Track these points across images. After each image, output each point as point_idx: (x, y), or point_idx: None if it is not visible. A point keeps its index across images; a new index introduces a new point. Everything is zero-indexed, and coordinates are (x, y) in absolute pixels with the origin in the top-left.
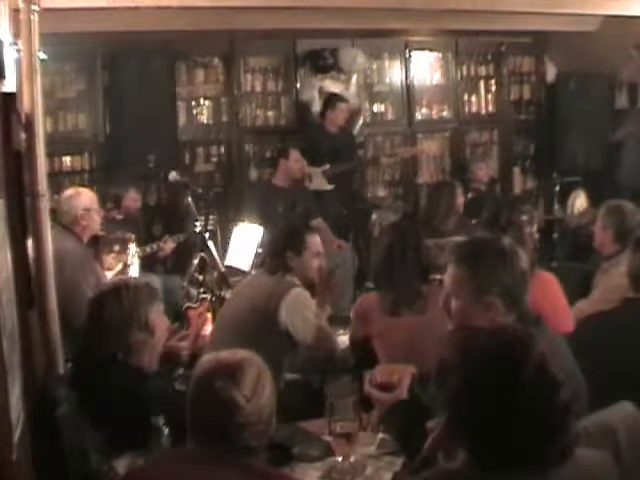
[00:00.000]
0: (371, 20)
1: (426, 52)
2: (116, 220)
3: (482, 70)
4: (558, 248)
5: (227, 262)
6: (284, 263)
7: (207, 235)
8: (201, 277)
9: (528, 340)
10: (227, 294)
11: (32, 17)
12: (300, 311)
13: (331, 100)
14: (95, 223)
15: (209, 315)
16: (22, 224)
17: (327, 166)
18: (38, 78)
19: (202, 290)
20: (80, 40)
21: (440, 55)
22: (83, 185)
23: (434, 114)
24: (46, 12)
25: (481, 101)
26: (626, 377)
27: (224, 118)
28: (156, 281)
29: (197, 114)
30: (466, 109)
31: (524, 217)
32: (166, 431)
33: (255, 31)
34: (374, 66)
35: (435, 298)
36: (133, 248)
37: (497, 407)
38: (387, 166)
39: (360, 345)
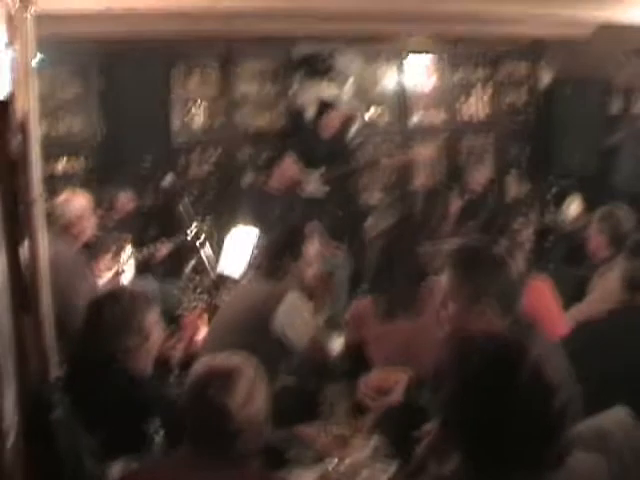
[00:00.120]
0: (366, 25)
1: (421, 57)
2: (111, 223)
3: (477, 75)
4: (553, 252)
5: (221, 267)
6: (281, 267)
7: (201, 240)
8: (195, 282)
9: (523, 344)
10: (221, 299)
11: (27, 21)
12: (294, 316)
13: (326, 105)
14: (89, 227)
15: (203, 319)
16: (17, 229)
17: (322, 170)
18: (33, 82)
19: (196, 294)
20: (76, 43)
21: (435, 60)
22: (78, 188)
23: (429, 118)
24: (42, 15)
25: (476, 106)
26: (620, 382)
27: (219, 122)
28: (152, 283)
29: (192, 118)
30: (461, 114)
31: (519, 221)
32: (160, 436)
33: (250, 35)
34: (369, 70)
35: (430, 302)
36: (128, 250)
37: (492, 411)
38: (382, 170)
39: (355, 349)
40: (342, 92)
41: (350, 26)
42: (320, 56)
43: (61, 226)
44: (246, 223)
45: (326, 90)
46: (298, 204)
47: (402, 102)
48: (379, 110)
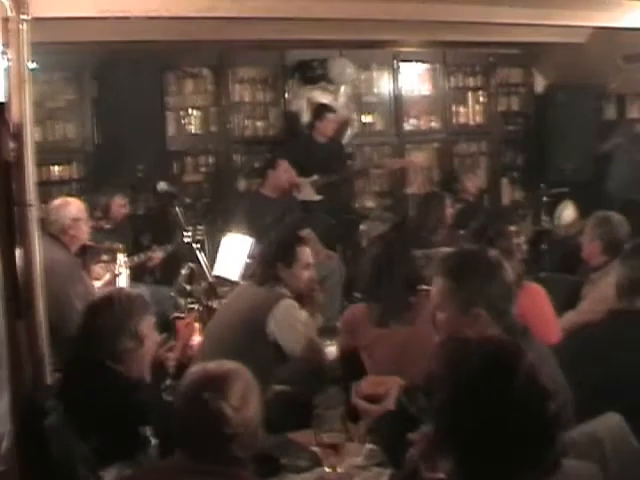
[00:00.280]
0: (360, 31)
1: (415, 63)
2: (104, 229)
3: (471, 81)
4: (546, 259)
5: (216, 272)
6: (274, 274)
7: (196, 245)
8: (189, 287)
9: (517, 351)
10: (215, 304)
11: (22, 26)
12: (289, 322)
13: (320, 111)
14: (83, 233)
15: (197, 325)
16: (10, 234)
17: (316, 177)
18: (28, 87)
19: (190, 300)
20: (69, 50)
21: (429, 66)
22: (72, 194)
23: (423, 125)
24: (36, 21)
25: (470, 112)
26: (613, 388)
27: (213, 128)
28: (145, 291)
29: (186, 124)
30: (455, 120)
31: (512, 228)
32: (154, 442)
33: (244, 42)
34: (363, 77)
35: (423, 309)
36: (121, 258)
37: (485, 418)
38: (376, 177)
39: (348, 356)
40: (336, 99)
41: (344, 33)
42: (314, 62)
43: (55, 231)
44: (240, 229)
45: (320, 96)
46: (292, 210)
47: (395, 109)
48: (372, 117)
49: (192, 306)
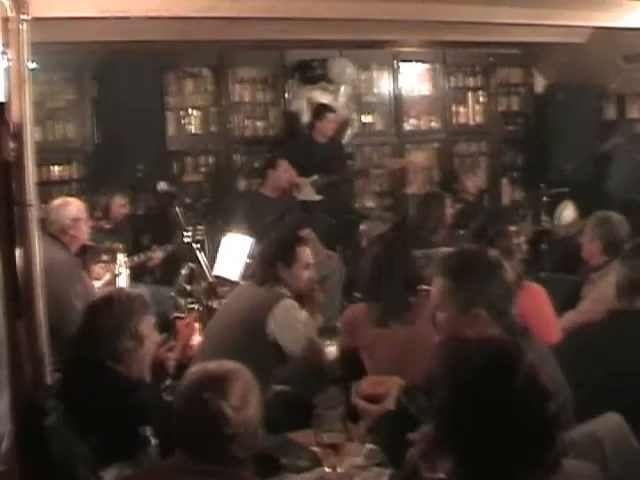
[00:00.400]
0: (360, 31)
1: (415, 63)
2: (104, 229)
3: (471, 81)
4: (546, 259)
5: (216, 272)
6: (274, 274)
7: (195, 245)
8: (189, 287)
9: (517, 351)
10: (215, 304)
11: (22, 26)
12: (289, 322)
13: (320, 110)
14: (83, 233)
15: (197, 325)
16: (10, 234)
17: (316, 177)
18: (28, 87)
19: (190, 300)
20: (69, 50)
21: (429, 66)
22: (71, 195)
23: (423, 125)
24: (36, 21)
25: (470, 112)
26: (613, 388)
27: (213, 128)
28: (145, 291)
29: (186, 124)
30: (455, 120)
31: (512, 228)
32: (154, 442)
33: (244, 42)
34: (363, 77)
35: (423, 309)
36: (121, 258)
37: (485, 418)
38: (376, 177)
39: (348, 356)
40: (336, 99)
41: (344, 33)
42: (314, 62)
43: (55, 231)
44: (240, 229)
45: (320, 96)
46: (292, 210)
47: (395, 109)
48: (372, 117)
49: (192, 306)
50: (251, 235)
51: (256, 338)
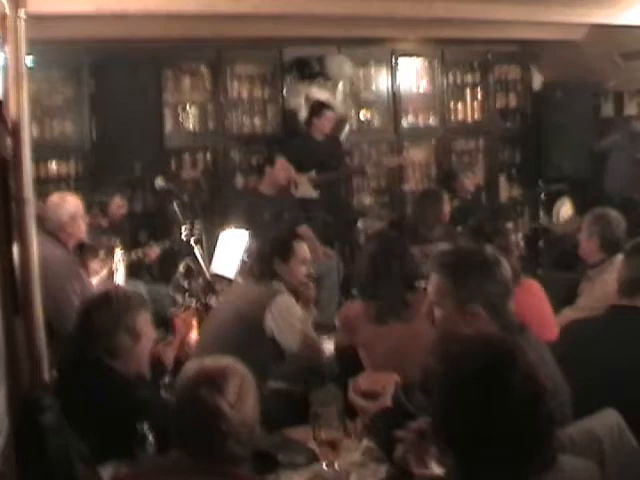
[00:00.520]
0: (357, 28)
1: (412, 60)
2: (102, 227)
3: (468, 78)
4: (543, 256)
5: (213, 270)
6: (271, 270)
7: (193, 242)
8: (186, 284)
9: (514, 348)
10: (212, 300)
11: (19, 23)
12: (286, 318)
13: (317, 107)
14: (81, 230)
15: (194, 322)
16: (7, 230)
17: (313, 174)
18: (25, 84)
19: (187, 297)
20: (67, 47)
21: (426, 63)
22: (69, 192)
23: (420, 122)
24: (33, 18)
25: (467, 109)
26: (610, 384)
27: (210, 125)
28: (142, 288)
29: (183, 121)
30: (452, 117)
31: (510, 225)
32: (151, 439)
33: (242, 38)
34: (360, 74)
35: (420, 306)
36: (118, 254)
37: (482, 415)
38: (373, 174)
39: (345, 353)
40: (333, 95)
41: (341, 29)
42: (311, 59)
43: (53, 229)
44: (238, 226)
45: (317, 93)
46: (289, 207)
47: (393, 105)
48: (370, 113)
49: (189, 302)
50: (248, 232)
51: (253, 334)
